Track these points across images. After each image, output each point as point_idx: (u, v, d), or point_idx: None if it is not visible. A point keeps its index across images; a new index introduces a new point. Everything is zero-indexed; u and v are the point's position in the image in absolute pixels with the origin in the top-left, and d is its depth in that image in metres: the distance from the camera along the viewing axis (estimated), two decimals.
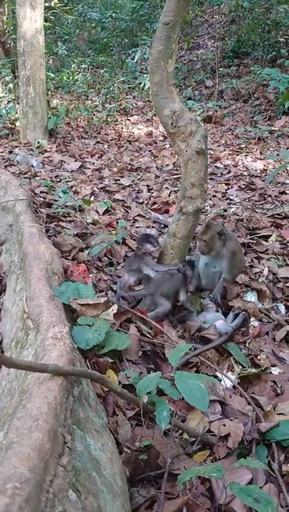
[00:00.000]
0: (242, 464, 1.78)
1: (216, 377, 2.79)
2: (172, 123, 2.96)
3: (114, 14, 14.95)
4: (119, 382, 2.52)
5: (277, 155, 7.18)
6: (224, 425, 2.36)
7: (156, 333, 3.06)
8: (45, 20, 9.17)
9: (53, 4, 9.49)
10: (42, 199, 5.03)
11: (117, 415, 2.36)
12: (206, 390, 1.98)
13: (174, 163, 7.49)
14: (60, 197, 4.93)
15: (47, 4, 8.96)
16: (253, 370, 2.84)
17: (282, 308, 3.49)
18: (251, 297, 3.50)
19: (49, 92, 10.14)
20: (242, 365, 2.98)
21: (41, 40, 7.81)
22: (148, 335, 3.04)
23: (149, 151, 8.52)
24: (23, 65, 7.72)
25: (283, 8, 11.67)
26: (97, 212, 4.99)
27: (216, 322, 3.16)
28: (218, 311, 3.37)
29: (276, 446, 2.33)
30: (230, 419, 2.44)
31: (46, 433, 1.34)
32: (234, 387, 2.74)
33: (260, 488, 2.09)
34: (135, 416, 2.36)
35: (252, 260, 4.12)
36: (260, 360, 2.97)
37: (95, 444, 1.73)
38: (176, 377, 2.03)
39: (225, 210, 5.48)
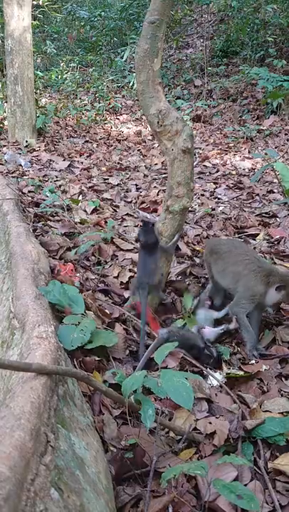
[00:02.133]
0: (225, 461, 1.78)
1: (202, 375, 2.80)
2: (158, 122, 2.96)
3: (103, 13, 14.90)
4: (106, 381, 2.52)
5: (266, 154, 7.22)
6: (210, 423, 2.37)
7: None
8: (34, 18, 9.15)
9: (41, 2, 9.46)
10: (30, 198, 5.01)
11: (103, 414, 2.36)
12: (191, 388, 1.98)
13: (162, 163, 7.50)
14: (47, 196, 4.92)
15: (35, 2, 8.93)
16: (241, 373, 2.84)
17: (269, 309, 3.49)
18: None
19: (38, 91, 10.10)
20: (230, 365, 3.00)
21: (29, 39, 7.78)
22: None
23: (138, 150, 8.52)
24: (11, 63, 7.69)
25: (271, 8, 11.72)
26: (85, 211, 4.98)
27: (205, 329, 3.16)
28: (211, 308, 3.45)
29: (262, 443, 2.34)
30: (216, 417, 2.44)
31: (28, 432, 1.34)
32: (221, 385, 2.75)
33: (246, 485, 2.11)
34: (121, 415, 2.36)
35: None
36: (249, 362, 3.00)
37: (79, 443, 1.73)
38: (161, 375, 2.04)
39: (213, 209, 5.50)
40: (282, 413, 2.52)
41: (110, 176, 6.72)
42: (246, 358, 3.06)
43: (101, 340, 2.69)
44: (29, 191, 5.33)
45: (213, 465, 2.01)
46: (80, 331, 2.61)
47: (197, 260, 4.11)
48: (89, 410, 2.21)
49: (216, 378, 2.77)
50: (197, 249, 4.32)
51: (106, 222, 4.51)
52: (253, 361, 2.98)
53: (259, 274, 3.11)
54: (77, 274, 3.46)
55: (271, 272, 3.10)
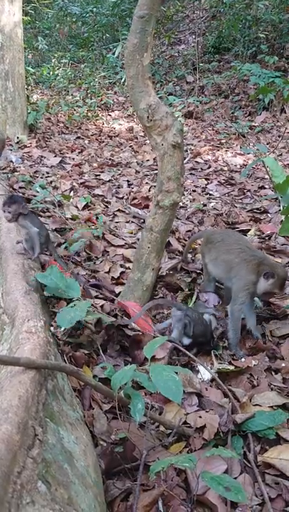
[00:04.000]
0: (213, 454, 1.79)
1: (192, 369, 2.81)
2: (148, 116, 2.95)
3: (95, 9, 14.83)
4: (95, 375, 2.52)
5: (257, 150, 7.23)
6: (200, 417, 2.38)
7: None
8: (25, 14, 9.11)
9: None
10: (21, 194, 4.99)
11: (93, 408, 2.36)
12: (180, 382, 1.99)
13: (154, 159, 7.48)
14: (38, 192, 4.91)
15: None
16: (231, 368, 2.85)
17: (259, 303, 3.51)
18: None
19: (29, 87, 10.06)
20: (221, 359, 3.01)
21: (20, 34, 7.73)
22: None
23: (130, 146, 8.50)
24: (2, 59, 7.63)
25: (263, 4, 11.72)
26: (77, 207, 4.97)
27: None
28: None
29: (252, 436, 2.35)
30: (206, 411, 2.45)
31: (16, 425, 1.34)
32: (212, 380, 2.75)
33: (235, 478, 2.12)
34: (111, 409, 2.36)
35: None
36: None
37: (68, 437, 1.73)
38: (151, 369, 2.04)
39: (204, 205, 5.50)
40: (272, 407, 2.54)
41: (102, 172, 6.71)
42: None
43: (96, 316, 2.75)
44: (20, 187, 5.31)
45: (202, 458, 2.02)
46: (76, 310, 2.59)
47: (188, 255, 4.11)
48: (79, 405, 2.21)
49: (209, 371, 2.78)
50: None
51: (97, 218, 4.50)
52: (243, 359, 3.00)
53: (250, 263, 3.13)
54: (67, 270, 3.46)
55: (262, 261, 3.12)
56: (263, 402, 2.58)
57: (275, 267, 3.12)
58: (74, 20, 15.69)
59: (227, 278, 3.31)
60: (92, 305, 3.10)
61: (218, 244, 3.38)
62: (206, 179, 6.63)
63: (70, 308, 2.58)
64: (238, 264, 3.18)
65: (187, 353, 2.92)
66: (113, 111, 11.03)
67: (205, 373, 2.79)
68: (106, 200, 5.53)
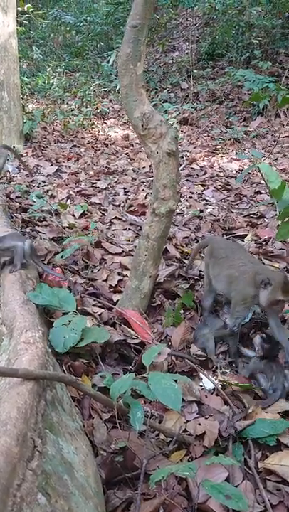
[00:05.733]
0: (213, 462, 1.79)
1: (191, 377, 2.80)
2: (143, 125, 2.96)
3: (88, 18, 14.90)
4: (95, 384, 2.52)
5: (253, 156, 7.25)
6: (199, 424, 2.38)
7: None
8: (19, 24, 9.14)
9: (26, 9, 9.44)
10: (17, 204, 5.00)
11: (93, 418, 2.36)
12: (179, 390, 1.99)
13: (150, 166, 7.49)
14: (34, 201, 4.91)
15: (20, 9, 8.91)
16: (233, 382, 2.81)
17: (257, 309, 3.50)
18: None
19: (24, 97, 10.08)
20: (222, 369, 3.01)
21: (14, 45, 7.76)
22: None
23: (126, 153, 8.52)
24: None
25: (256, 10, 11.78)
26: (74, 215, 4.98)
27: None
28: None
29: (252, 443, 2.35)
30: (206, 418, 2.45)
31: (15, 437, 1.33)
32: (217, 389, 2.73)
33: (237, 485, 2.12)
34: (111, 418, 2.36)
35: None
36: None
37: (68, 448, 1.73)
38: (150, 378, 2.04)
39: (201, 211, 5.51)
40: (283, 416, 2.52)
41: (98, 180, 6.72)
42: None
43: (92, 337, 2.68)
44: (17, 197, 5.32)
45: (203, 466, 2.01)
46: (71, 331, 2.60)
47: (186, 262, 4.11)
48: (78, 414, 2.20)
49: (212, 381, 2.77)
50: (186, 251, 4.33)
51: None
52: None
53: (247, 276, 3.08)
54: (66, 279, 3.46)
55: (258, 272, 3.06)
56: (271, 409, 2.58)
57: (271, 273, 3.07)
58: (68, 29, 15.77)
59: (228, 292, 3.28)
60: (90, 314, 3.11)
61: (222, 261, 3.32)
62: (202, 185, 6.65)
63: (64, 328, 2.59)
64: (237, 277, 3.14)
65: (190, 362, 2.91)
66: (108, 119, 11.06)
67: (207, 383, 2.77)
68: (103, 208, 5.54)
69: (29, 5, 9.86)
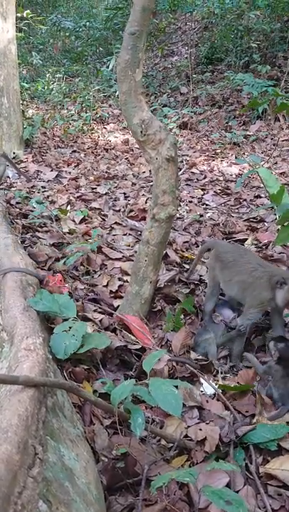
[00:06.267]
0: (214, 467, 1.79)
1: (192, 382, 2.81)
2: (142, 131, 2.98)
3: (88, 23, 14.97)
4: (95, 390, 2.52)
5: (252, 160, 7.27)
6: (200, 429, 2.38)
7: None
8: (19, 30, 9.18)
9: (25, 15, 9.48)
10: (18, 210, 5.02)
11: (94, 424, 2.36)
12: (180, 396, 1.99)
13: (150, 171, 7.50)
14: (34, 207, 4.93)
15: (19, 15, 8.95)
16: (233, 385, 2.82)
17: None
18: None
19: (24, 102, 10.12)
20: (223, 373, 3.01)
21: (14, 51, 7.80)
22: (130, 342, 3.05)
23: (126, 158, 8.54)
24: None
25: (254, 14, 11.82)
26: (74, 221, 4.99)
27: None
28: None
29: (253, 448, 2.35)
30: (207, 423, 2.45)
31: (15, 445, 1.34)
32: (218, 394, 2.74)
33: (238, 490, 2.12)
34: (112, 424, 2.36)
35: None
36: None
37: (69, 454, 1.73)
38: (150, 383, 2.05)
39: (201, 216, 5.52)
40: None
41: (98, 185, 6.74)
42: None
43: (93, 343, 2.68)
44: (17, 203, 5.34)
45: (205, 472, 2.02)
46: (71, 337, 2.61)
47: (186, 266, 4.12)
48: (79, 421, 2.21)
49: (213, 386, 2.77)
50: (186, 255, 4.34)
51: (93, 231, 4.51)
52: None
53: (262, 280, 3.09)
54: (67, 285, 3.47)
55: (273, 274, 3.07)
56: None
57: (285, 273, 3.10)
58: (67, 34, 15.85)
59: (242, 298, 3.28)
60: (90, 320, 3.12)
61: (231, 265, 3.31)
62: (202, 189, 6.66)
63: (64, 334, 2.59)
64: (251, 283, 3.14)
65: (191, 368, 2.91)
66: (108, 124, 11.09)
67: (208, 388, 2.78)
68: (103, 213, 5.55)
69: (28, 11, 9.91)
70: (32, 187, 6.26)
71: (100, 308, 3.39)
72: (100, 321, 3.18)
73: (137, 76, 2.95)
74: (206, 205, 6.10)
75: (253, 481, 2.19)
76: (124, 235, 4.88)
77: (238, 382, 2.88)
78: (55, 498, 1.37)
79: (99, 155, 8.78)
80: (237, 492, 2.06)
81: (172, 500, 2.03)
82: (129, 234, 4.92)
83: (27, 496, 1.24)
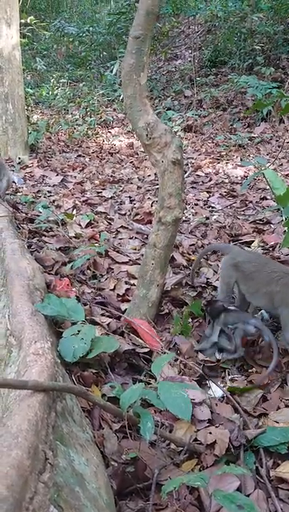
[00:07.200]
0: (225, 471, 1.78)
1: (200, 385, 2.80)
2: (147, 135, 2.98)
3: (91, 28, 15.03)
4: (104, 394, 2.51)
5: (258, 162, 7.26)
6: (210, 433, 2.37)
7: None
8: (23, 36, 9.23)
9: (28, 21, 9.53)
10: (24, 215, 5.03)
11: (103, 428, 2.35)
12: (189, 399, 1.99)
13: (155, 174, 7.51)
14: (40, 212, 4.94)
15: (23, 21, 9.00)
16: (241, 387, 2.81)
17: (265, 315, 3.50)
18: None
19: (29, 108, 10.16)
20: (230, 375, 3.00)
21: (18, 57, 7.84)
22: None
23: (131, 162, 8.56)
24: (1, 81, 7.74)
25: (258, 17, 11.84)
26: (80, 225, 5.00)
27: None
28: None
29: (264, 452, 2.34)
30: (216, 427, 2.44)
31: (26, 450, 1.34)
32: (227, 397, 2.73)
33: (249, 494, 2.11)
34: (121, 428, 2.35)
35: None
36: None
37: (79, 459, 1.73)
38: (159, 387, 2.04)
39: (207, 218, 5.52)
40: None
41: (104, 189, 6.75)
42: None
43: (102, 346, 2.67)
44: (23, 207, 5.35)
45: (215, 475, 2.00)
46: (80, 340, 2.60)
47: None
48: (88, 425, 2.20)
49: (221, 389, 2.76)
50: (192, 258, 4.33)
51: (100, 235, 4.52)
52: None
53: None
54: (74, 289, 3.47)
55: None
56: (280, 418, 2.56)
57: None
58: (71, 40, 15.90)
59: (271, 307, 3.23)
60: (98, 323, 3.11)
61: (255, 275, 3.24)
62: (207, 192, 6.66)
63: (73, 338, 2.59)
64: (281, 292, 3.09)
65: (199, 369, 2.91)
66: (113, 128, 11.11)
67: (217, 390, 2.77)
68: (109, 217, 5.55)
69: (32, 17, 9.96)
70: (38, 192, 6.27)
71: (107, 311, 3.39)
72: (108, 324, 3.17)
73: (142, 80, 2.96)
74: (212, 207, 6.09)
75: (263, 485, 2.18)
76: (131, 238, 4.88)
77: (247, 384, 2.87)
78: (66, 503, 1.37)
79: (104, 159, 8.80)
80: (248, 496, 2.05)
81: (183, 505, 2.01)
82: (135, 237, 4.92)
83: (38, 501, 1.24)
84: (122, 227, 5.17)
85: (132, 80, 2.94)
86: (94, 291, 3.66)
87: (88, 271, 3.93)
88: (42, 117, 10.86)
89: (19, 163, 7.81)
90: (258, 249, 4.56)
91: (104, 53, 15.50)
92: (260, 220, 5.44)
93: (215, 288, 3.82)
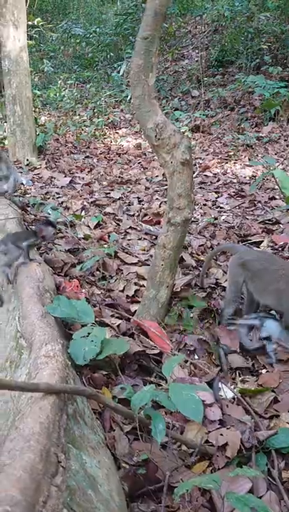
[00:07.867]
0: (237, 474, 1.77)
1: (211, 386, 2.78)
2: (156, 135, 2.97)
3: (98, 29, 15.06)
4: (115, 396, 2.51)
5: (266, 161, 7.23)
6: (221, 435, 2.35)
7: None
8: (30, 38, 9.25)
9: (36, 23, 9.56)
10: (33, 216, 5.03)
11: (114, 430, 2.35)
12: (200, 401, 1.98)
13: (163, 174, 7.51)
14: (49, 213, 4.94)
15: (30, 23, 9.03)
16: (252, 388, 2.80)
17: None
18: None
19: (36, 110, 10.18)
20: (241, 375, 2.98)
21: (26, 59, 7.86)
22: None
23: (139, 163, 8.55)
24: (9, 84, 7.76)
25: (264, 16, 11.80)
26: (89, 226, 5.00)
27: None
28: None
29: (275, 453, 2.32)
30: (227, 428, 2.42)
31: (38, 453, 1.33)
32: (238, 398, 2.71)
33: (261, 496, 2.09)
34: (132, 430, 2.34)
35: None
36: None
37: (91, 462, 1.72)
38: (170, 389, 2.03)
39: (216, 219, 5.50)
40: None
41: (112, 190, 6.75)
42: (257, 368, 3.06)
43: (112, 348, 2.66)
44: (31, 208, 5.36)
45: (227, 477, 1.99)
46: (90, 342, 2.60)
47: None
48: (99, 427, 2.20)
49: (232, 391, 2.75)
50: (202, 259, 4.32)
51: (109, 236, 4.52)
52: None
53: None
54: (83, 290, 3.47)
55: None
56: None
57: None
58: (78, 41, 15.94)
59: (278, 305, 3.24)
60: (108, 325, 3.11)
61: (262, 274, 3.25)
62: (216, 192, 6.65)
63: (83, 340, 2.58)
64: (287, 289, 3.11)
65: (208, 370, 2.89)
66: (120, 128, 11.12)
67: (227, 392, 2.76)
68: (117, 218, 5.55)
69: (39, 19, 9.99)
70: (46, 193, 6.28)
71: (117, 313, 3.38)
72: (118, 326, 3.17)
73: (150, 80, 2.95)
74: (221, 208, 6.08)
75: (275, 487, 2.16)
76: (139, 239, 4.87)
77: (258, 385, 2.86)
78: (79, 506, 1.36)
79: (112, 160, 8.80)
80: (260, 498, 2.04)
81: (194, 507, 2.01)
82: (144, 238, 4.91)
83: (51, 505, 1.23)
84: (130, 228, 5.16)
85: (140, 81, 2.93)
86: (103, 292, 3.66)
87: (97, 272, 3.93)
88: (50, 119, 10.89)
89: (27, 164, 7.82)
90: (268, 249, 4.54)
91: (111, 54, 15.52)
92: (269, 220, 5.42)
93: (224, 288, 3.80)
